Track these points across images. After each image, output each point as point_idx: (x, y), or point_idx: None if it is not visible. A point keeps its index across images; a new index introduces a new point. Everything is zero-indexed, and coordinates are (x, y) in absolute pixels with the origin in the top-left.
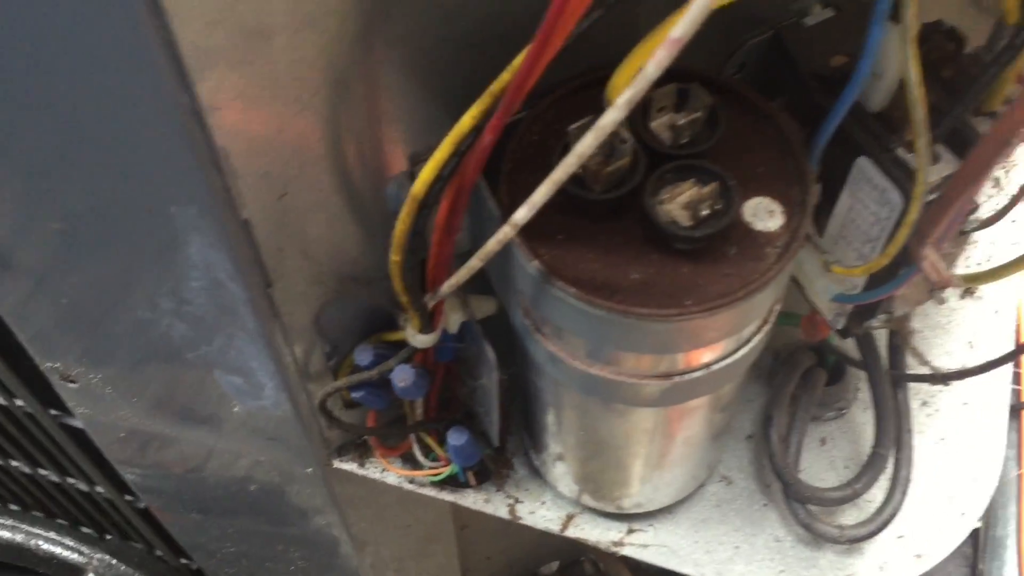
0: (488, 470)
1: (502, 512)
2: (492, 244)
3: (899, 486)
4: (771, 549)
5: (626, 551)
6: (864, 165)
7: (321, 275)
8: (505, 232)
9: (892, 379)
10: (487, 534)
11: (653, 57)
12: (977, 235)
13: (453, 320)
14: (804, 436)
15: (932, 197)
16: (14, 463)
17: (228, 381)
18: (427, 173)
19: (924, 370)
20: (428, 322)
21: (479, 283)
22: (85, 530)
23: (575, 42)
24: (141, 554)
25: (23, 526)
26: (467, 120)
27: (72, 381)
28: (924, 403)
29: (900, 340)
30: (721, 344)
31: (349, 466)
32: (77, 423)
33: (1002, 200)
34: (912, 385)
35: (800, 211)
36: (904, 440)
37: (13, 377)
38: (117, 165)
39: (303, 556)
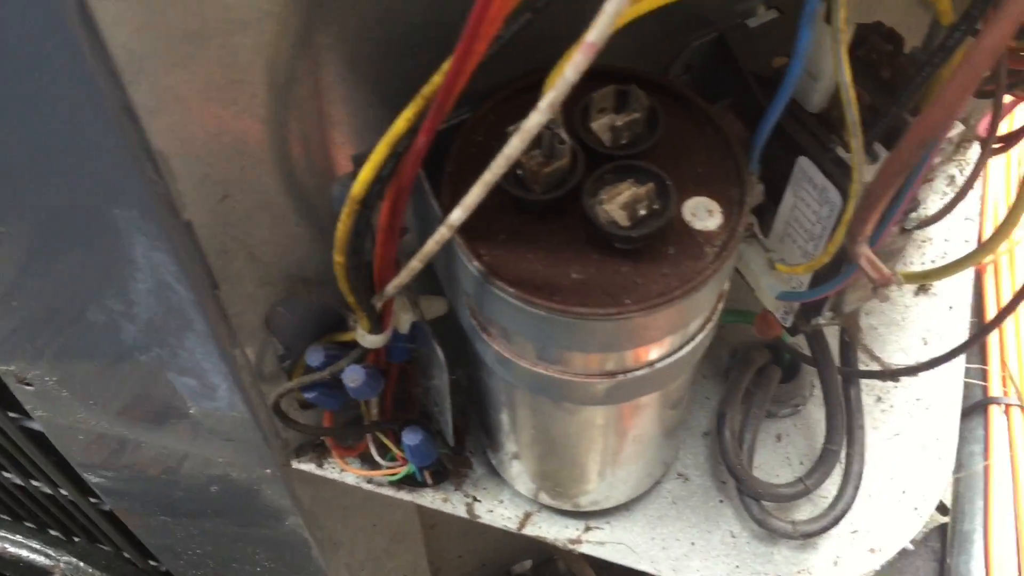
0: (445, 469)
1: (460, 511)
2: (430, 245)
3: (851, 481)
4: (727, 545)
5: (584, 549)
6: (805, 165)
7: (269, 276)
8: (442, 233)
9: (843, 376)
10: (456, 533)
11: (570, 61)
12: (932, 233)
13: (403, 320)
14: (758, 433)
15: None
16: None
17: (182, 383)
18: (365, 174)
19: (875, 366)
20: (377, 323)
21: (430, 284)
22: (53, 533)
23: (528, 43)
24: (109, 556)
25: None
26: (401, 122)
27: (28, 384)
28: (879, 399)
29: (850, 337)
30: (664, 342)
31: (308, 467)
32: (37, 426)
33: (970, 200)
34: (867, 381)
35: (739, 210)
36: (856, 436)
37: None
38: (57, 168)
39: (270, 557)
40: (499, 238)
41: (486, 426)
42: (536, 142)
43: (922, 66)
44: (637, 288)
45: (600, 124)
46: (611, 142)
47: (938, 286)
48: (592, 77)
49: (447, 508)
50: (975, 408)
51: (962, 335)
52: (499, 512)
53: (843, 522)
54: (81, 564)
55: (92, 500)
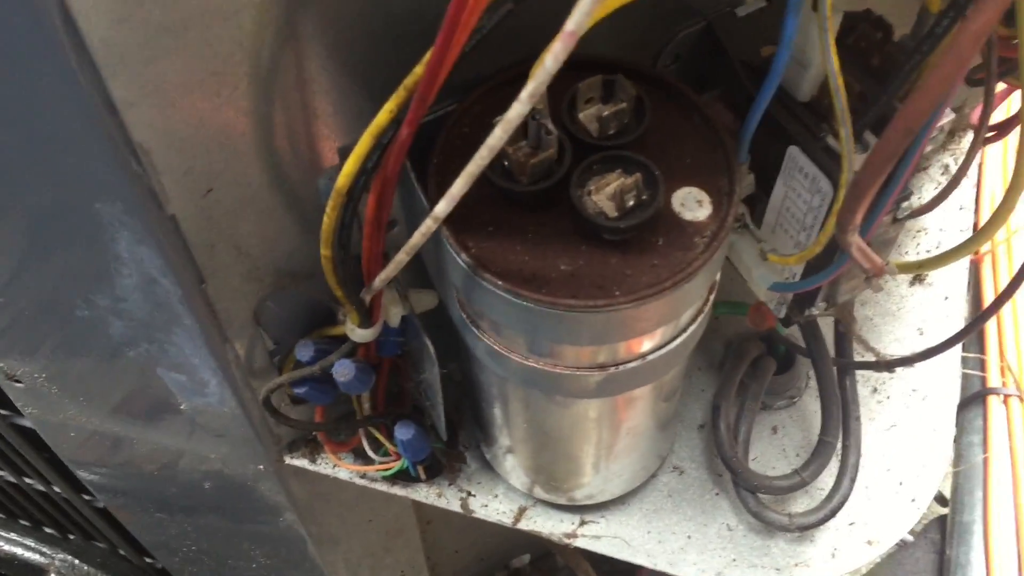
0: (439, 464)
1: (455, 506)
2: (416, 237)
3: (847, 473)
4: (723, 538)
5: (579, 543)
6: (795, 154)
7: (256, 271)
8: (428, 225)
9: (839, 367)
10: (453, 528)
11: (550, 51)
12: (927, 223)
13: (393, 314)
14: (753, 425)
15: None
16: None
17: (172, 379)
18: (350, 166)
19: (871, 357)
20: (366, 317)
21: (419, 277)
22: (47, 531)
23: (515, 33)
24: (104, 554)
25: None
26: (384, 114)
27: (17, 381)
28: (875, 390)
29: (844, 328)
30: (656, 333)
31: (301, 462)
32: (27, 423)
33: (964, 189)
34: (863, 373)
35: (728, 200)
36: (852, 427)
37: None
38: (39, 163)
39: (266, 554)
40: (487, 230)
41: (479, 420)
42: (522, 133)
43: (911, 53)
44: (627, 279)
45: (587, 114)
46: (598, 132)
47: (933, 276)
48: (579, 67)
49: (441, 503)
50: (973, 399)
51: (958, 325)
52: (494, 507)
53: (840, 514)
54: (76, 562)
55: (86, 497)
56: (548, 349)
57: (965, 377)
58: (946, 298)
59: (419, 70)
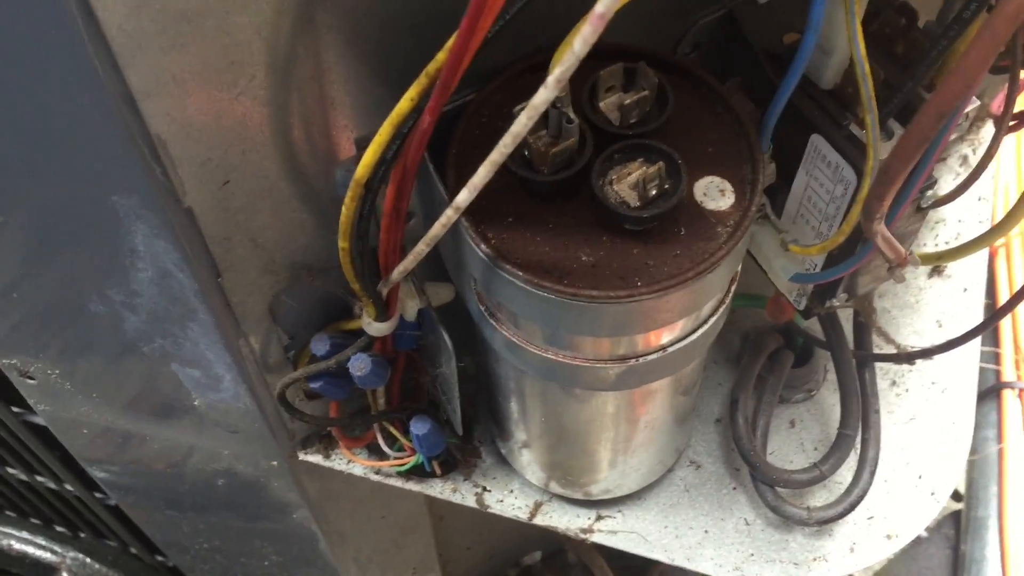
0: (454, 459)
1: (470, 501)
2: (436, 228)
3: (867, 466)
4: (741, 533)
5: (595, 538)
6: (818, 142)
7: (272, 264)
8: (448, 215)
9: (858, 359)
10: (465, 525)
11: (579, 34)
12: (945, 213)
13: (410, 307)
14: (771, 418)
15: None
16: None
17: (186, 374)
18: (369, 156)
19: (890, 349)
20: (383, 310)
21: (436, 270)
22: (58, 529)
23: (532, 22)
24: (115, 552)
25: None
26: (405, 102)
27: (30, 377)
28: (893, 383)
29: (864, 319)
30: (676, 325)
31: (314, 458)
32: (40, 420)
33: (983, 179)
34: (882, 365)
35: (751, 190)
36: (872, 420)
37: None
38: (55, 155)
39: (278, 551)
40: (507, 221)
41: (495, 415)
42: (543, 122)
43: (937, 40)
44: (649, 270)
45: (608, 103)
46: (620, 121)
47: (952, 268)
48: (600, 55)
49: (456, 498)
50: (988, 393)
51: (977, 317)
52: (509, 502)
53: (859, 508)
54: (87, 560)
55: (97, 495)
56: (568, 341)
57: (980, 371)
58: (965, 290)
59: (442, 56)
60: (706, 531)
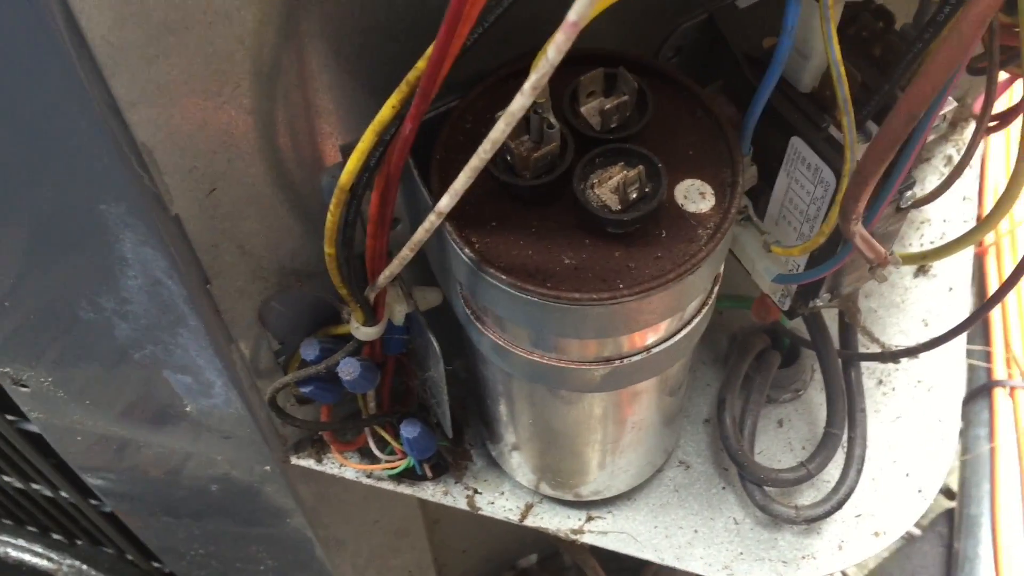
0: (445, 462)
1: (461, 504)
2: (420, 233)
3: (853, 465)
4: (730, 532)
5: (586, 539)
6: (798, 145)
7: (261, 270)
8: (431, 220)
9: (843, 359)
10: (460, 528)
11: (552, 42)
12: (930, 214)
13: (397, 312)
14: (759, 418)
15: None
16: None
17: (178, 380)
18: (353, 163)
19: (876, 349)
20: (371, 315)
21: (424, 275)
22: (55, 536)
23: (518, 27)
24: (112, 559)
25: None
26: (387, 110)
27: (24, 385)
28: (880, 382)
29: (849, 319)
30: (660, 326)
31: (307, 462)
32: (34, 428)
33: (967, 179)
34: (868, 364)
35: (731, 192)
36: (858, 419)
37: None
38: (43, 165)
39: (273, 556)
40: (490, 225)
41: (485, 417)
42: (525, 127)
43: (913, 42)
44: (630, 272)
45: (589, 108)
46: (600, 126)
47: (937, 267)
48: (580, 61)
49: (448, 501)
50: (980, 391)
51: (963, 316)
52: (500, 504)
53: (847, 506)
54: (84, 567)
55: (93, 502)
56: (553, 343)
57: (971, 369)
58: (950, 289)
59: (421, 64)
60: (696, 531)
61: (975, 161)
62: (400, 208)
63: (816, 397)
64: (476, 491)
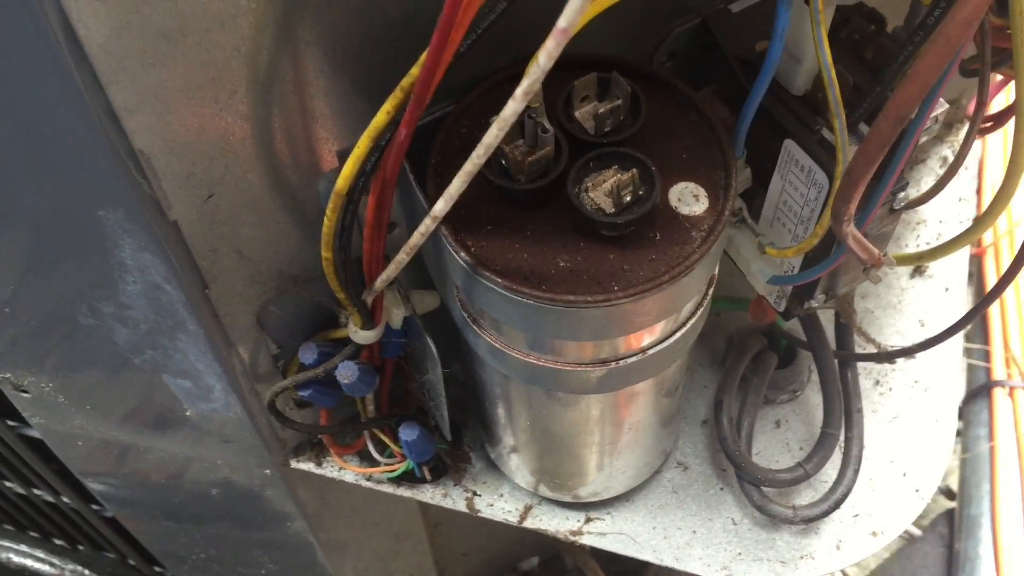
0: (444, 465)
1: (460, 506)
2: (415, 237)
3: (851, 465)
4: (728, 532)
5: (585, 540)
6: (791, 147)
7: (259, 275)
8: (426, 224)
9: (840, 359)
10: (461, 531)
11: (543, 48)
12: (926, 215)
13: (395, 315)
14: (756, 419)
15: None
16: None
17: (177, 385)
18: (349, 168)
19: (872, 349)
20: (369, 318)
21: (421, 279)
22: (57, 542)
23: (513, 32)
24: (113, 564)
25: None
26: (382, 115)
27: (24, 391)
28: (877, 382)
29: (844, 320)
30: (655, 328)
31: (307, 466)
32: (35, 433)
33: (963, 180)
34: (865, 365)
35: (725, 194)
36: (854, 419)
37: None
38: (42, 172)
39: (275, 560)
40: (486, 229)
41: (483, 420)
42: (519, 131)
43: (904, 45)
44: (625, 274)
45: (583, 112)
46: (594, 130)
47: (934, 268)
48: (574, 65)
49: (447, 503)
50: (979, 391)
51: (959, 316)
52: (499, 506)
53: (844, 506)
54: (86, 572)
55: (95, 507)
56: (549, 345)
57: (971, 369)
58: (947, 290)
59: (415, 71)
60: (694, 531)
61: (971, 162)
62: (396, 212)
63: (813, 398)
64: (475, 493)
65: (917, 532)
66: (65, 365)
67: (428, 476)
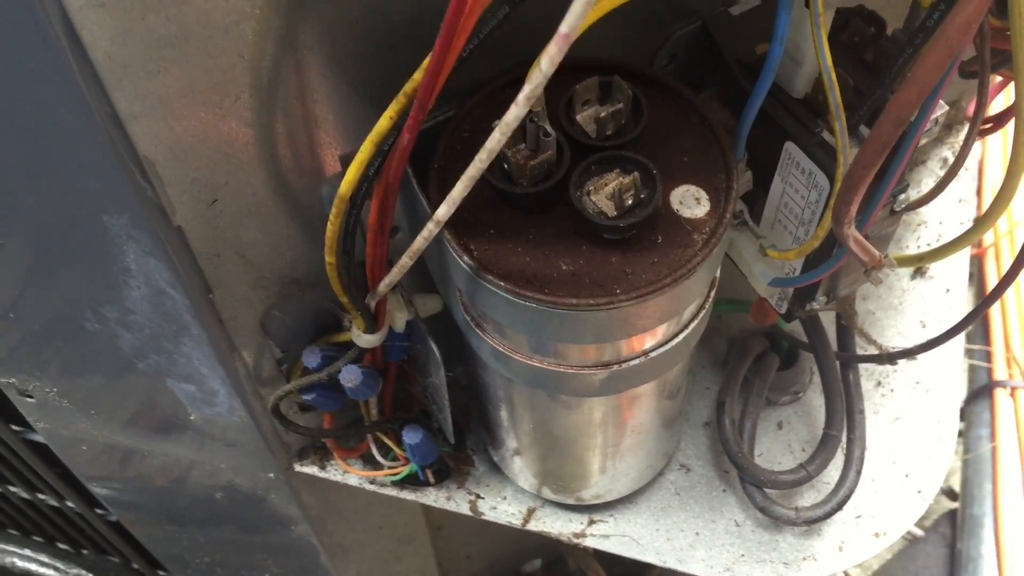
0: (447, 468)
1: (464, 509)
2: (419, 241)
3: (853, 466)
4: (731, 534)
5: (588, 542)
6: (792, 150)
7: (262, 279)
8: (429, 229)
9: (841, 361)
10: (464, 534)
11: (545, 54)
12: (927, 216)
13: (398, 319)
14: (758, 420)
15: None
16: None
17: (182, 389)
18: (352, 173)
19: (873, 351)
20: (372, 322)
21: (424, 282)
22: (61, 546)
23: (515, 37)
24: (117, 568)
25: None
26: (385, 120)
27: (29, 396)
28: (879, 384)
29: (846, 322)
30: (657, 331)
31: (310, 469)
32: (39, 438)
33: (963, 181)
34: (867, 366)
35: (726, 197)
36: (856, 420)
37: None
38: (47, 178)
39: (278, 564)
40: (488, 233)
41: (486, 423)
42: (521, 136)
43: (904, 47)
44: (627, 278)
45: (585, 116)
46: (596, 133)
47: (935, 269)
48: (576, 69)
49: (450, 506)
50: (981, 392)
51: (960, 317)
52: (502, 509)
53: (847, 507)
54: None
55: (99, 511)
56: (552, 349)
57: (972, 370)
58: (948, 291)
59: (418, 76)
60: (697, 533)
61: (971, 163)
62: (399, 217)
63: (815, 399)
64: (478, 496)
65: (919, 533)
66: (69, 370)
67: (431, 479)
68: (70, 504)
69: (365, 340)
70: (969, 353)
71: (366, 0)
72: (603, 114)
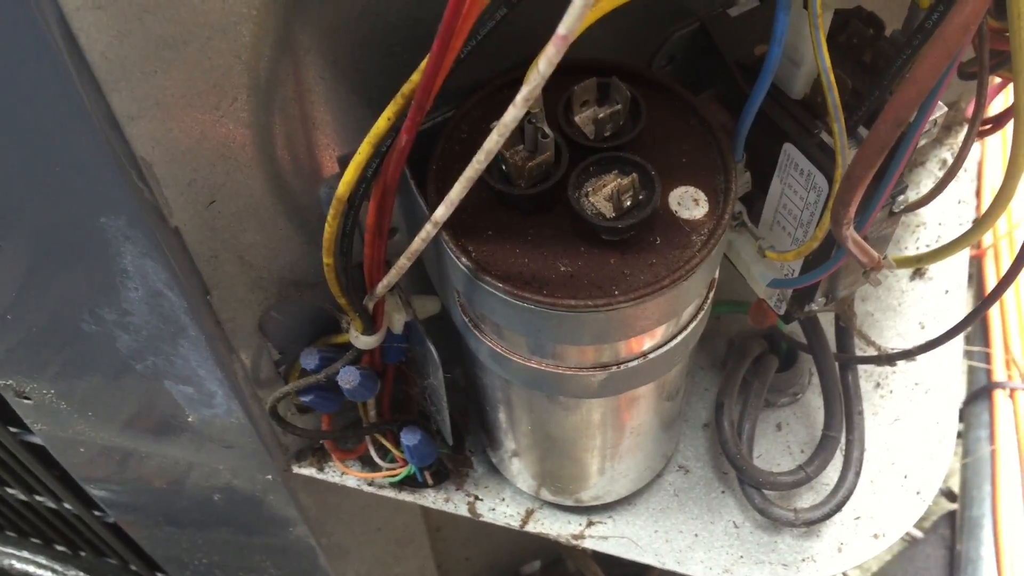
0: (446, 469)
1: (462, 510)
2: (417, 242)
3: (852, 467)
4: (730, 535)
5: (587, 543)
6: (790, 151)
7: (260, 281)
8: (427, 230)
9: (840, 362)
10: (463, 535)
11: (543, 55)
12: (925, 217)
13: (396, 320)
14: (757, 422)
15: None
16: None
17: (179, 391)
18: (350, 174)
19: (872, 352)
20: (370, 324)
21: (423, 284)
22: (59, 548)
23: (513, 38)
24: (115, 569)
25: None
26: (383, 122)
27: (26, 397)
28: (878, 385)
29: (845, 323)
30: (656, 332)
31: (308, 471)
32: (37, 440)
33: (962, 182)
34: (866, 367)
35: (724, 198)
36: (855, 422)
37: None
38: (45, 179)
39: (277, 565)
40: (487, 234)
41: (484, 424)
42: (519, 137)
43: (902, 48)
44: (625, 279)
45: (583, 117)
46: (594, 135)
47: (934, 270)
48: (574, 71)
49: (449, 508)
50: (980, 393)
51: (959, 318)
52: (501, 510)
53: (845, 508)
54: None
55: (96, 513)
56: (550, 350)
57: (971, 371)
58: (947, 292)
59: (416, 77)
60: (696, 535)
61: (970, 164)
62: (397, 218)
63: (814, 400)
64: (477, 498)
65: (919, 534)
66: (67, 371)
67: (430, 481)
68: (68, 506)
69: (363, 341)
70: (968, 354)
71: (363, 1)
72: (601, 115)
